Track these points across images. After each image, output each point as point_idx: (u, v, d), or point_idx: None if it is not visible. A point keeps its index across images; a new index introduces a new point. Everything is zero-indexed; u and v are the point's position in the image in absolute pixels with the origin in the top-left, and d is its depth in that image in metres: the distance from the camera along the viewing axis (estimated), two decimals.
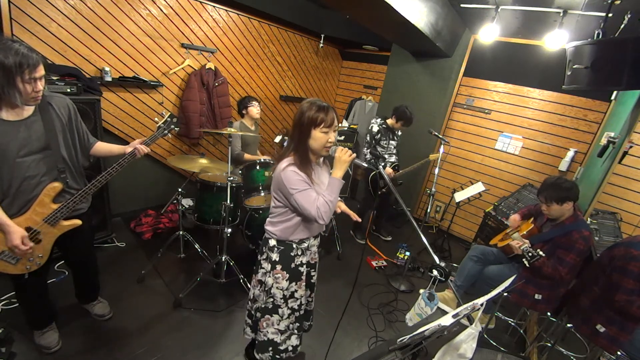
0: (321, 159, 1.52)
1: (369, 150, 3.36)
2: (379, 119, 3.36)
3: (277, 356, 1.60)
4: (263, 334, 1.58)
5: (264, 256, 1.54)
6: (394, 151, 3.48)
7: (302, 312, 1.63)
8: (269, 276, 1.52)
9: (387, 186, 1.46)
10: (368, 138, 3.36)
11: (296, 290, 1.56)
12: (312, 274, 1.67)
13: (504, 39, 3.51)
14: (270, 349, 1.58)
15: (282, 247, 1.49)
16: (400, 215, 4.40)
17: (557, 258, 2.00)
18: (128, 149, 1.71)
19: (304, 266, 1.56)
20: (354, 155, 1.39)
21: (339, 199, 1.66)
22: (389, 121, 3.35)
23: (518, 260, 2.33)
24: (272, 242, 1.50)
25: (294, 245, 1.50)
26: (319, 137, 1.35)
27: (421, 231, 1.43)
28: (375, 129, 3.32)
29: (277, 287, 1.52)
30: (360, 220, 1.64)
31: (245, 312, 1.73)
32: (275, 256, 1.49)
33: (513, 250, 2.14)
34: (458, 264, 2.73)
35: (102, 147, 1.77)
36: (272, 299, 1.54)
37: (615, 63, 1.55)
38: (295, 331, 1.64)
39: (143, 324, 2.10)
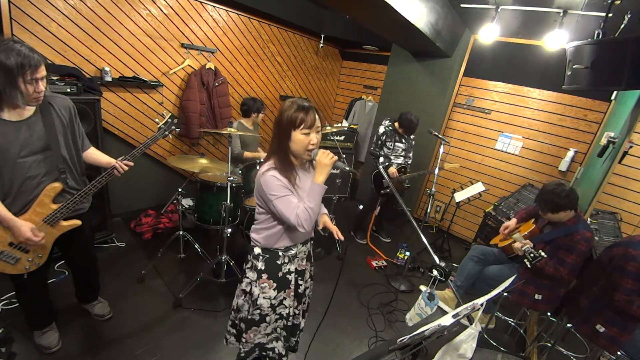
0: (307, 164, 1.44)
1: (377, 150, 3.40)
2: (387, 121, 3.41)
3: (264, 353, 1.54)
4: (250, 343, 1.50)
5: (249, 265, 1.46)
6: (402, 154, 3.47)
7: (289, 322, 1.53)
8: (255, 286, 1.43)
9: (389, 186, 1.43)
10: (374, 138, 3.43)
11: (285, 299, 1.48)
12: (300, 282, 1.55)
13: (504, 39, 3.51)
14: (257, 349, 1.52)
15: (267, 255, 1.41)
16: (400, 215, 4.40)
17: (558, 259, 2.00)
18: (113, 162, 1.67)
19: (292, 274, 1.48)
20: (335, 157, 1.30)
21: (326, 213, 1.58)
22: (396, 124, 3.39)
23: (518, 260, 2.33)
24: (257, 250, 1.43)
25: (280, 253, 1.42)
26: (299, 140, 1.27)
27: (421, 231, 1.43)
28: (381, 130, 3.36)
29: (264, 297, 1.43)
30: (343, 238, 1.50)
31: (229, 321, 1.62)
32: (260, 265, 1.41)
33: (514, 250, 2.14)
34: (458, 264, 2.73)
35: (92, 154, 1.75)
36: (259, 310, 1.44)
37: (615, 63, 1.55)
38: (282, 337, 1.55)
39: (143, 324, 2.10)
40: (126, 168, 1.66)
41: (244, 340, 1.51)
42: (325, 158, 1.28)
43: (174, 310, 2.26)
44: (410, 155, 3.55)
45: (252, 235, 1.45)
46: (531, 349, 2.25)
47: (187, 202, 3.51)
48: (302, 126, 1.25)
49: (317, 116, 1.29)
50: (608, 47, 1.62)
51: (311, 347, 2.08)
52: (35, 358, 1.78)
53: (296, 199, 1.29)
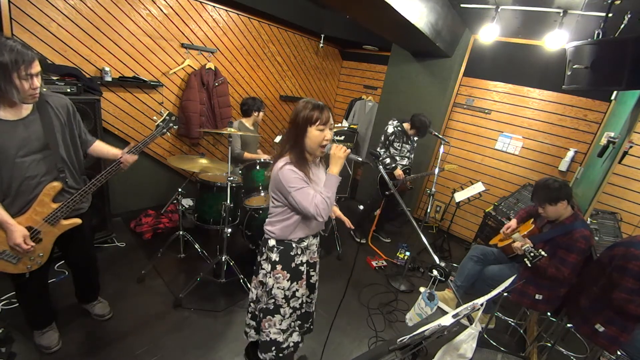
0: (317, 159, 1.52)
1: (382, 150, 3.36)
2: (396, 121, 3.36)
3: (280, 354, 1.61)
4: (265, 334, 1.58)
5: (264, 257, 1.54)
6: (407, 155, 3.46)
7: (302, 311, 1.63)
8: (270, 277, 1.51)
9: (395, 186, 1.45)
10: (382, 138, 3.38)
11: (297, 290, 1.56)
12: (312, 273, 1.66)
13: (504, 39, 3.50)
14: (273, 348, 1.59)
15: (281, 247, 1.49)
16: (400, 215, 4.39)
17: (559, 258, 2.00)
18: (120, 154, 1.68)
19: (304, 265, 1.56)
20: (349, 151, 1.40)
21: (335, 204, 1.65)
22: (405, 125, 3.35)
23: (518, 260, 2.33)
24: (272, 242, 1.50)
25: (294, 245, 1.50)
26: (315, 135, 1.36)
27: (421, 231, 1.44)
28: (390, 130, 3.31)
29: (278, 288, 1.51)
30: (353, 227, 1.61)
31: (248, 314, 1.70)
32: (275, 256, 1.49)
33: (514, 250, 2.14)
34: (458, 264, 2.73)
35: (98, 147, 1.76)
36: (273, 300, 1.53)
37: (615, 63, 1.55)
38: (297, 328, 1.64)
39: (143, 324, 2.10)
40: (132, 161, 1.69)
41: (261, 328, 1.59)
42: (340, 151, 1.38)
43: (174, 310, 2.26)
44: (412, 156, 3.55)
45: (267, 227, 1.52)
46: (531, 349, 2.25)
47: (187, 202, 3.51)
48: (317, 123, 1.34)
49: (330, 114, 1.39)
50: (608, 47, 1.62)
51: (310, 347, 2.09)
52: (35, 358, 1.77)
53: (313, 190, 1.37)
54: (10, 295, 2.07)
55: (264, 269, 1.54)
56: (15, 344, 1.77)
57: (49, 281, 1.90)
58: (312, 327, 1.82)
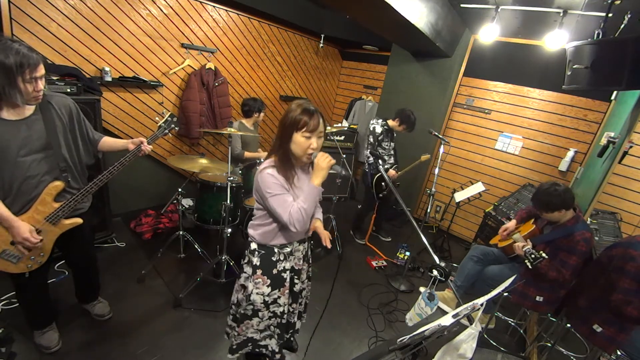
0: (307, 164, 1.42)
1: (369, 151, 3.33)
2: (380, 120, 3.33)
3: (257, 350, 1.56)
4: (242, 336, 1.55)
5: (246, 260, 1.50)
6: (392, 152, 3.47)
7: (284, 320, 1.55)
8: (250, 281, 1.46)
9: (388, 188, 1.43)
10: (371, 139, 3.31)
11: (279, 297, 1.49)
12: (296, 281, 1.56)
13: (504, 39, 3.50)
14: (250, 344, 1.55)
15: (262, 251, 1.44)
16: (400, 215, 4.39)
17: (560, 261, 1.99)
18: (131, 145, 1.72)
19: (287, 272, 1.49)
20: (333, 161, 1.32)
21: (319, 218, 1.57)
22: (390, 122, 3.32)
23: (519, 260, 2.33)
24: (253, 246, 1.46)
25: (276, 250, 1.45)
26: (300, 142, 1.27)
27: (421, 231, 1.43)
28: (379, 129, 3.28)
29: (257, 293, 1.45)
30: (329, 246, 1.47)
31: (229, 316, 1.66)
32: (256, 260, 1.44)
33: (515, 251, 2.14)
34: (458, 264, 2.73)
35: (106, 143, 1.79)
36: (251, 306, 1.48)
37: (615, 63, 1.55)
38: (276, 335, 1.57)
39: (143, 324, 2.10)
40: (150, 149, 1.74)
41: (236, 333, 1.54)
42: (323, 161, 1.29)
43: (174, 310, 2.26)
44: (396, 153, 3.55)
45: (249, 231, 1.48)
46: (531, 349, 2.26)
47: (187, 202, 3.51)
48: (304, 129, 1.25)
49: (321, 121, 1.29)
50: (608, 47, 1.62)
51: (311, 346, 2.08)
52: (35, 358, 1.77)
53: (291, 198, 1.31)
54: (10, 295, 2.07)
55: (245, 272, 1.49)
56: (15, 344, 1.77)
57: (49, 281, 1.91)
58: (292, 339, 1.67)
